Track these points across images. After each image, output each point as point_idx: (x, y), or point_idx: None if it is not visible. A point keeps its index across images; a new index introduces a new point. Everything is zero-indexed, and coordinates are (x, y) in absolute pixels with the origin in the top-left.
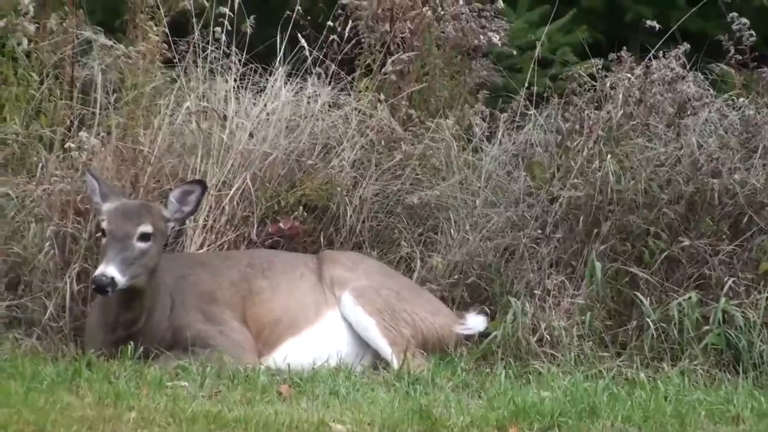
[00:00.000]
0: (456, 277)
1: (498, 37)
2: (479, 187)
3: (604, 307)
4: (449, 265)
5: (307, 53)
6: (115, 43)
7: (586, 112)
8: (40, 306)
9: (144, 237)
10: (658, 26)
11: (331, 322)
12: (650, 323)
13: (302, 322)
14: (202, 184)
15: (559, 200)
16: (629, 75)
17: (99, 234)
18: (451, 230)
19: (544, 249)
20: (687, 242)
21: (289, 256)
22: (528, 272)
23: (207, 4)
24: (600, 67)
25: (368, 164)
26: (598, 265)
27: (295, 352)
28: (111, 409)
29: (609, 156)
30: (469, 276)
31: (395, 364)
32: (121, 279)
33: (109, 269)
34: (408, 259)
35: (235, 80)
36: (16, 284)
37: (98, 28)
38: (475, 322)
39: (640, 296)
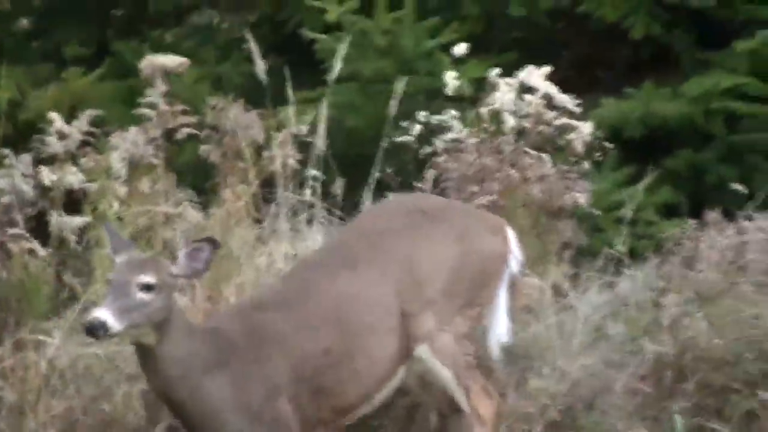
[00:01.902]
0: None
1: (584, 198)
2: (574, 330)
3: None
4: (541, 392)
5: None
6: (202, 206)
7: (679, 270)
8: None
9: (146, 287)
10: (746, 191)
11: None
12: None
13: None
14: (212, 241)
15: (647, 356)
16: (720, 236)
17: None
18: (548, 364)
19: (634, 400)
20: (766, 396)
21: None
22: (617, 419)
23: (298, 166)
24: (694, 227)
25: None
26: (678, 419)
27: None
28: None
29: (699, 316)
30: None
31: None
32: (115, 324)
33: (102, 312)
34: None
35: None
36: None
37: (191, 191)
38: None
39: None
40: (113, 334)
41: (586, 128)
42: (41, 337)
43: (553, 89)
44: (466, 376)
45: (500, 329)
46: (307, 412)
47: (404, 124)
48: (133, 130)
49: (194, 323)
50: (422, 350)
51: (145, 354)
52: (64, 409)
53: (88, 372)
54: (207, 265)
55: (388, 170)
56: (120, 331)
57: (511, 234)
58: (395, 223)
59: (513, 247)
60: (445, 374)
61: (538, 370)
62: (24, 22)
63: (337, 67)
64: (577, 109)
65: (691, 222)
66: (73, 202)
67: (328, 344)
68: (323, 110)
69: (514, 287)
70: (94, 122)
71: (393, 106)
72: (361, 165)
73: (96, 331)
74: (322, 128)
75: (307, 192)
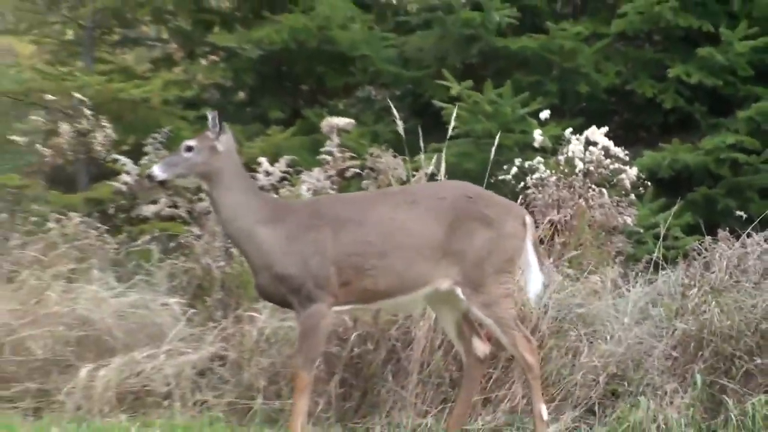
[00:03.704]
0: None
1: (630, 219)
2: (625, 311)
3: (702, 405)
4: (603, 354)
5: None
6: None
7: (699, 272)
8: (314, 402)
9: (188, 148)
10: (744, 215)
11: None
12: (733, 417)
13: None
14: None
15: (676, 331)
16: (728, 248)
17: None
18: (607, 336)
19: (667, 362)
20: (759, 361)
21: None
22: (655, 376)
23: None
24: (710, 242)
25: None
26: (699, 377)
27: None
28: None
29: (713, 303)
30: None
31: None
32: (159, 173)
33: (153, 167)
34: (576, 349)
35: None
36: None
37: None
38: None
39: (726, 398)
40: (161, 180)
41: (632, 171)
42: (253, 314)
43: (609, 143)
44: (511, 326)
45: (535, 283)
46: (341, 280)
47: (504, 167)
48: (316, 170)
49: (258, 189)
50: (461, 297)
51: (209, 196)
52: (268, 364)
53: (285, 338)
54: (224, 129)
55: None
56: (166, 178)
57: (528, 219)
58: (449, 198)
59: (530, 228)
60: (489, 324)
61: (603, 336)
62: (241, 95)
63: (454, 126)
64: (626, 158)
65: (708, 238)
66: None
67: (372, 238)
68: (446, 157)
69: (537, 250)
70: (289, 164)
71: (496, 155)
72: None
73: (147, 179)
74: (444, 169)
75: None
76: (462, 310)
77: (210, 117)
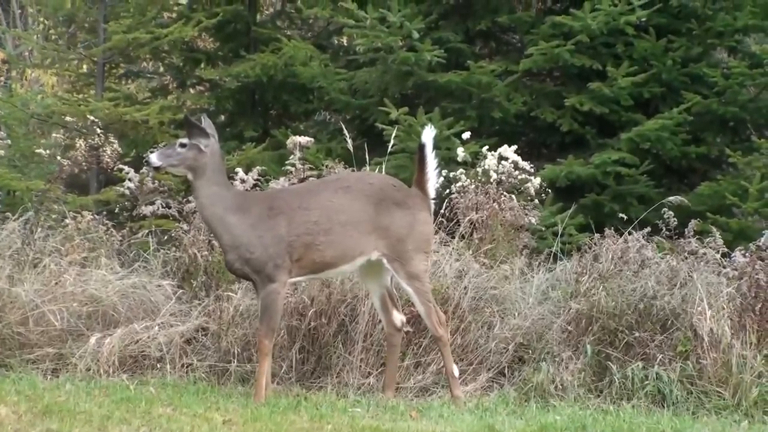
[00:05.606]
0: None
1: (534, 219)
2: (530, 293)
3: (591, 369)
4: (512, 327)
5: None
6: None
7: (589, 262)
8: (278, 366)
9: (182, 145)
10: (626, 217)
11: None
12: (616, 380)
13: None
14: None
15: (571, 310)
16: (613, 243)
17: None
18: (515, 313)
19: (563, 335)
20: (637, 334)
21: None
22: (553, 346)
23: None
24: (598, 238)
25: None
26: (589, 347)
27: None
28: (317, 423)
29: (601, 288)
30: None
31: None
32: (155, 161)
33: (151, 155)
34: (490, 323)
35: None
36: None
37: None
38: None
39: (611, 365)
40: (155, 167)
41: (535, 181)
42: (230, 294)
43: (517, 158)
44: (429, 299)
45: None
46: (296, 257)
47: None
48: (282, 179)
49: (230, 185)
50: (388, 266)
51: (191, 186)
52: (242, 334)
53: (255, 313)
54: (211, 130)
55: None
56: (160, 165)
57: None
58: (376, 183)
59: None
60: (410, 293)
61: (512, 312)
62: (222, 118)
63: (393, 144)
64: (531, 170)
65: (596, 235)
66: None
67: (316, 218)
68: (386, 169)
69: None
70: (260, 174)
71: None
72: None
73: (145, 164)
74: None
75: None
76: (386, 287)
77: (185, 120)
